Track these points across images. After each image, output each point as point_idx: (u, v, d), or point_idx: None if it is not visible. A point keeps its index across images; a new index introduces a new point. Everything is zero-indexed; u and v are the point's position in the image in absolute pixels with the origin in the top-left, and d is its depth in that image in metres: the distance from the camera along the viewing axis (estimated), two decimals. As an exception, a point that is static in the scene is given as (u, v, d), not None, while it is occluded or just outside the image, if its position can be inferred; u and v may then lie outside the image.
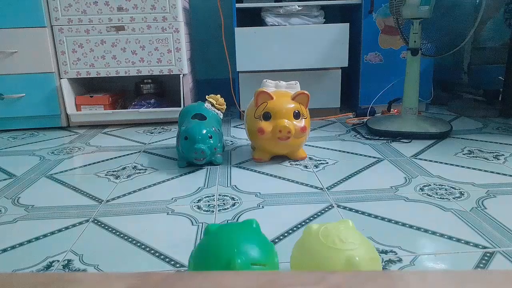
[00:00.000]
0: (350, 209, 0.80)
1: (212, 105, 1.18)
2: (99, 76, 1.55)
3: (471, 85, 1.77)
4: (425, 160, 1.09)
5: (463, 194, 0.86)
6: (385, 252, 0.65)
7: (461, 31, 1.22)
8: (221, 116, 1.19)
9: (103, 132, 1.54)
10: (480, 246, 0.65)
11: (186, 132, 1.02)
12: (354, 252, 0.48)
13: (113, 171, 1.08)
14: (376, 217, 0.77)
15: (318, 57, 1.57)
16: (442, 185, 0.91)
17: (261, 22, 1.62)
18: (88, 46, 1.52)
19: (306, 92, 1.05)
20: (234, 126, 1.57)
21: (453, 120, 1.54)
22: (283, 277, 0.26)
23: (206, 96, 1.20)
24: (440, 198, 0.84)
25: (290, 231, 0.72)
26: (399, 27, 1.42)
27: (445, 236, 0.69)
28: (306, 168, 1.06)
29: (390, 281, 0.25)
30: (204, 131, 1.01)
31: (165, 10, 1.50)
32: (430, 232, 0.71)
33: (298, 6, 1.54)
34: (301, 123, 1.03)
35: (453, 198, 0.84)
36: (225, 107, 1.22)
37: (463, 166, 1.03)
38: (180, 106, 1.59)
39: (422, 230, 0.71)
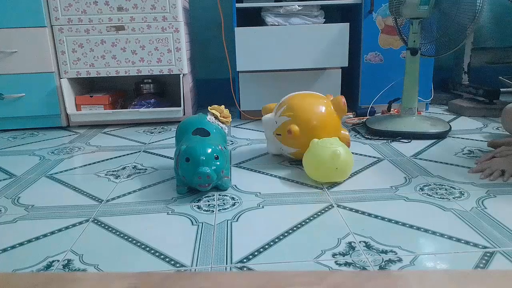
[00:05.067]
0: (350, 209, 0.80)
1: (216, 117, 1.03)
2: (99, 76, 1.55)
3: (471, 85, 1.78)
4: (425, 160, 1.09)
5: (463, 194, 0.86)
6: (385, 252, 0.65)
7: (461, 31, 1.22)
8: (227, 131, 1.05)
9: (103, 132, 1.54)
10: (480, 246, 0.65)
11: (187, 153, 0.84)
12: (337, 149, 0.91)
13: (113, 171, 1.08)
14: (376, 217, 0.77)
15: (318, 57, 1.57)
16: (442, 185, 0.91)
17: (261, 22, 1.62)
18: (88, 46, 1.52)
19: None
20: (234, 126, 1.57)
21: (453, 120, 1.54)
22: (283, 277, 0.26)
23: (209, 107, 1.06)
24: (440, 198, 0.84)
25: (290, 231, 0.72)
26: (398, 27, 1.42)
27: (445, 236, 0.69)
28: (306, 168, 1.06)
29: (390, 281, 0.25)
30: (209, 151, 0.84)
31: (165, 10, 1.50)
32: (430, 232, 0.71)
33: (298, 6, 1.54)
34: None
35: (453, 198, 0.84)
36: (231, 119, 1.07)
37: (463, 166, 1.03)
38: (180, 106, 1.59)
39: (422, 230, 0.71)
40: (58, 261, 0.65)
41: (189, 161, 0.84)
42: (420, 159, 1.10)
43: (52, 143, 1.39)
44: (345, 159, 0.92)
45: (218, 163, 0.84)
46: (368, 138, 1.32)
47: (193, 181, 0.84)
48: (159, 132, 1.51)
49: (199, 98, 2.06)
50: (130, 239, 0.71)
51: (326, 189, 0.91)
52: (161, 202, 0.87)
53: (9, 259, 0.66)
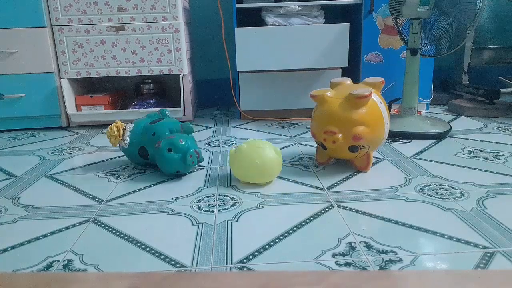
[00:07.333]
0: (350, 209, 0.80)
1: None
2: (99, 76, 1.55)
3: (471, 85, 1.78)
4: (425, 160, 1.09)
5: (463, 194, 0.86)
6: (385, 252, 0.65)
7: (461, 31, 1.22)
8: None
9: (103, 132, 1.54)
10: (480, 246, 0.65)
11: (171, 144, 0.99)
12: (273, 147, 0.93)
13: (113, 171, 1.08)
14: (376, 217, 0.77)
15: (318, 57, 1.57)
16: (442, 185, 0.91)
17: (261, 22, 1.62)
18: (88, 46, 1.52)
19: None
20: (234, 126, 1.57)
21: (453, 120, 1.54)
22: (283, 277, 0.26)
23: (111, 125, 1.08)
24: (440, 198, 0.84)
25: (290, 231, 0.72)
26: (398, 27, 1.42)
27: (445, 236, 0.69)
28: (306, 168, 1.06)
29: (390, 281, 0.25)
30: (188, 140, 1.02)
31: (165, 10, 1.50)
32: (430, 232, 0.71)
33: (298, 6, 1.54)
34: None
35: (453, 198, 0.84)
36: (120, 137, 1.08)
37: (463, 166, 1.03)
38: (180, 106, 1.59)
39: (422, 230, 0.71)
40: (58, 261, 0.65)
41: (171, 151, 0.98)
42: (420, 159, 1.10)
43: (52, 143, 1.39)
44: (277, 153, 0.93)
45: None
46: (368, 138, 1.32)
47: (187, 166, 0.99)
48: (159, 132, 1.51)
49: (199, 98, 2.06)
50: (130, 239, 0.71)
51: (326, 189, 0.91)
52: (161, 202, 0.87)
53: (9, 259, 0.66)
